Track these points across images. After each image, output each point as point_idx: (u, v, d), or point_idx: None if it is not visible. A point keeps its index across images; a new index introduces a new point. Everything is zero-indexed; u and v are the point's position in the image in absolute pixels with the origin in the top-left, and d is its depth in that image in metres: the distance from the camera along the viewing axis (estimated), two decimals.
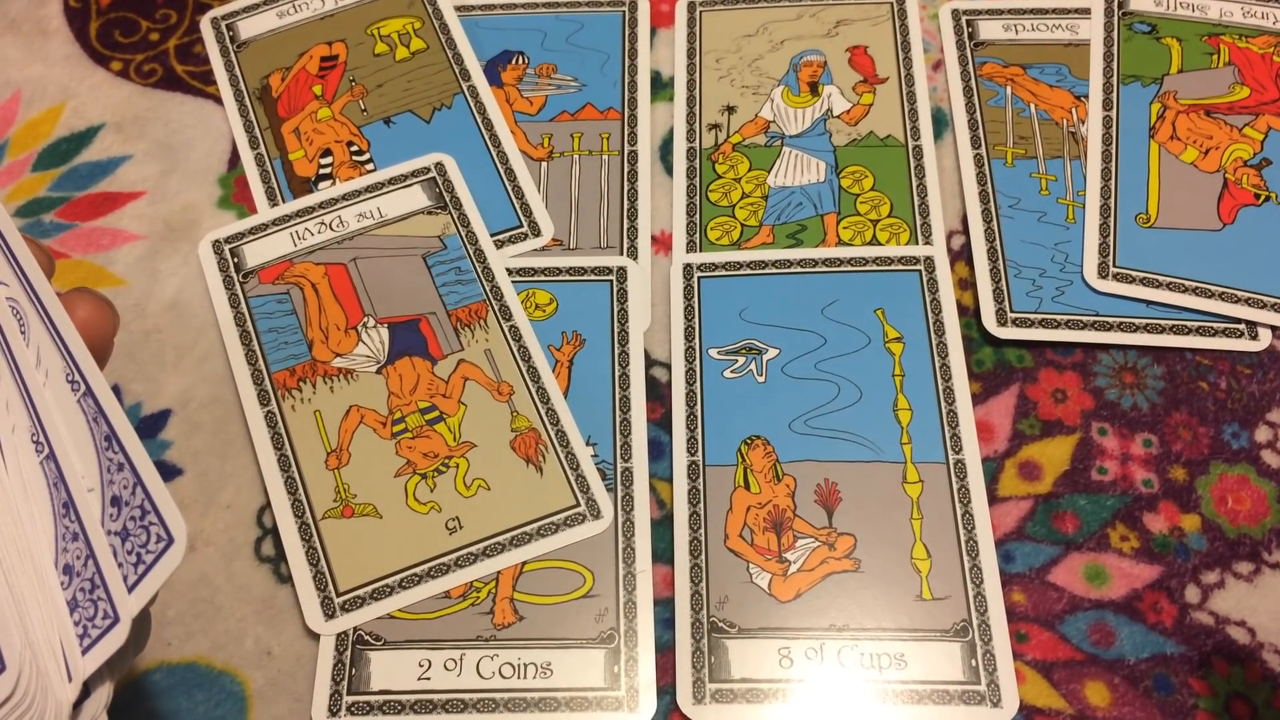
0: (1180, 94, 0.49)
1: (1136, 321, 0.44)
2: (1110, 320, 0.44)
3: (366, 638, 0.39)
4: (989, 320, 0.44)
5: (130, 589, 0.26)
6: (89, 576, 0.26)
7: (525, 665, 0.39)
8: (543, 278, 0.46)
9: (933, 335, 0.44)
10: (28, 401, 0.28)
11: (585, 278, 0.46)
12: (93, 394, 0.27)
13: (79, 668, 0.25)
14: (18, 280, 0.30)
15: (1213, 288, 0.44)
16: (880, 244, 0.46)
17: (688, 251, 0.47)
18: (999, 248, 0.46)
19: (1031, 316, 0.44)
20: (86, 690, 0.26)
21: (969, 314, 0.45)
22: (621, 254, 0.47)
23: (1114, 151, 0.48)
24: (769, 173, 0.48)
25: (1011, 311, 0.44)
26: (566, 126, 0.50)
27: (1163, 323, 0.44)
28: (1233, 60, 0.49)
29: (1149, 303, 0.44)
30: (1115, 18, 0.51)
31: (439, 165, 0.48)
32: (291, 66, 0.52)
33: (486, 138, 0.49)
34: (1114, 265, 0.45)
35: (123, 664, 0.27)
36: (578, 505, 0.41)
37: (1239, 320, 0.44)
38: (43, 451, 0.27)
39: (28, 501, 0.27)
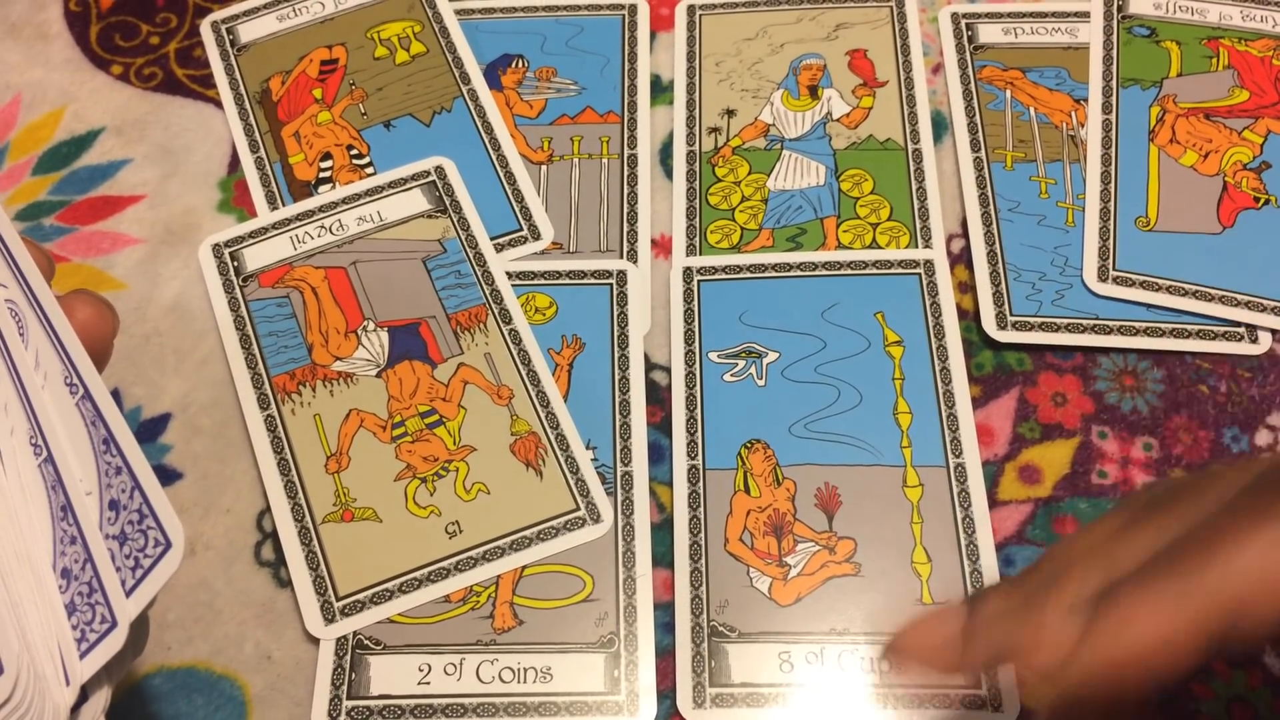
0: (1180, 97, 0.49)
1: (1136, 325, 0.44)
2: (1110, 323, 0.44)
3: (366, 642, 0.39)
4: (989, 324, 0.44)
5: (128, 593, 0.26)
6: (87, 580, 0.26)
7: (525, 670, 0.39)
8: (542, 281, 0.46)
9: (932, 339, 0.44)
10: (26, 404, 0.28)
11: (585, 281, 0.46)
12: (91, 397, 0.27)
13: (77, 671, 0.25)
14: (17, 283, 0.30)
15: (1212, 291, 0.44)
16: (880, 247, 0.46)
17: (687, 255, 0.47)
18: (999, 251, 0.46)
19: (1031, 320, 0.44)
20: (84, 694, 0.26)
21: (969, 317, 0.45)
22: (621, 257, 0.47)
23: (1113, 155, 0.48)
24: (769, 176, 0.48)
25: (1011, 315, 0.44)
26: (566, 130, 0.50)
27: (1163, 326, 0.44)
28: (1232, 64, 0.49)
29: (1149, 306, 0.44)
30: (1115, 21, 0.51)
31: (439, 169, 0.48)
32: (291, 70, 0.52)
33: (486, 141, 0.49)
34: (1114, 268, 0.45)
35: (121, 668, 0.27)
36: (578, 509, 0.41)
37: (1239, 324, 0.44)
38: (41, 454, 0.27)
39: (26, 504, 0.27)
